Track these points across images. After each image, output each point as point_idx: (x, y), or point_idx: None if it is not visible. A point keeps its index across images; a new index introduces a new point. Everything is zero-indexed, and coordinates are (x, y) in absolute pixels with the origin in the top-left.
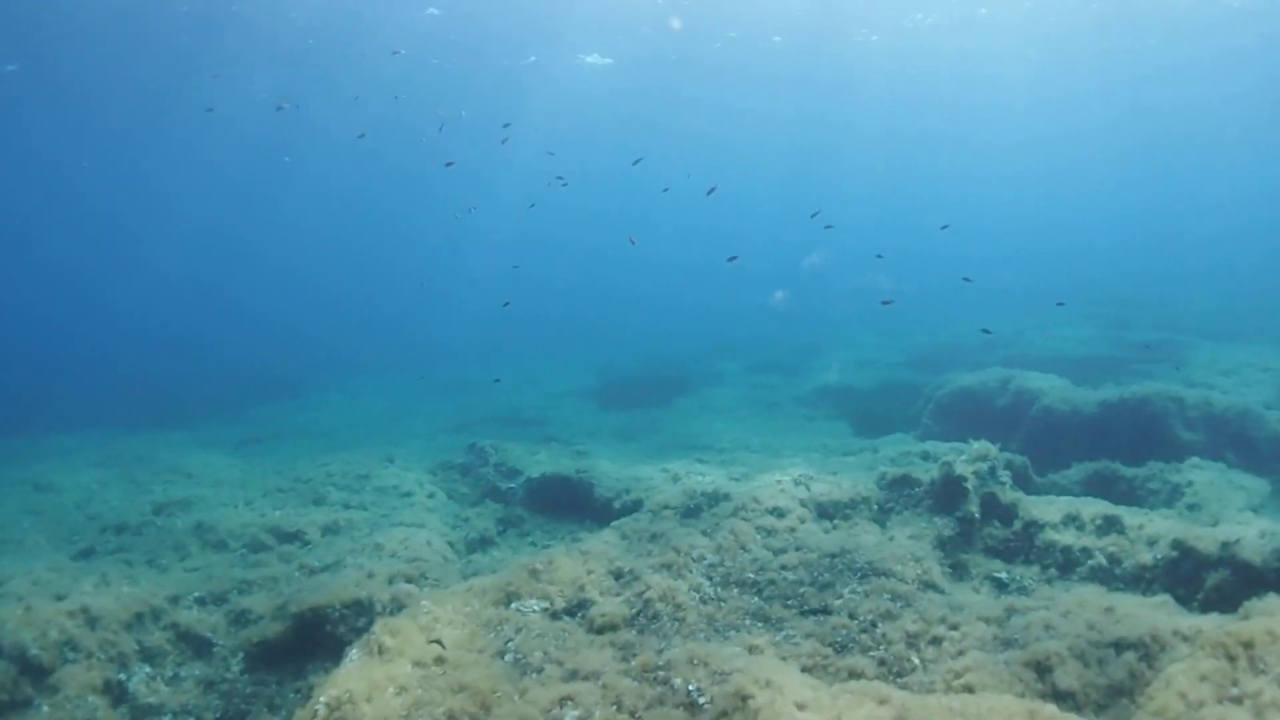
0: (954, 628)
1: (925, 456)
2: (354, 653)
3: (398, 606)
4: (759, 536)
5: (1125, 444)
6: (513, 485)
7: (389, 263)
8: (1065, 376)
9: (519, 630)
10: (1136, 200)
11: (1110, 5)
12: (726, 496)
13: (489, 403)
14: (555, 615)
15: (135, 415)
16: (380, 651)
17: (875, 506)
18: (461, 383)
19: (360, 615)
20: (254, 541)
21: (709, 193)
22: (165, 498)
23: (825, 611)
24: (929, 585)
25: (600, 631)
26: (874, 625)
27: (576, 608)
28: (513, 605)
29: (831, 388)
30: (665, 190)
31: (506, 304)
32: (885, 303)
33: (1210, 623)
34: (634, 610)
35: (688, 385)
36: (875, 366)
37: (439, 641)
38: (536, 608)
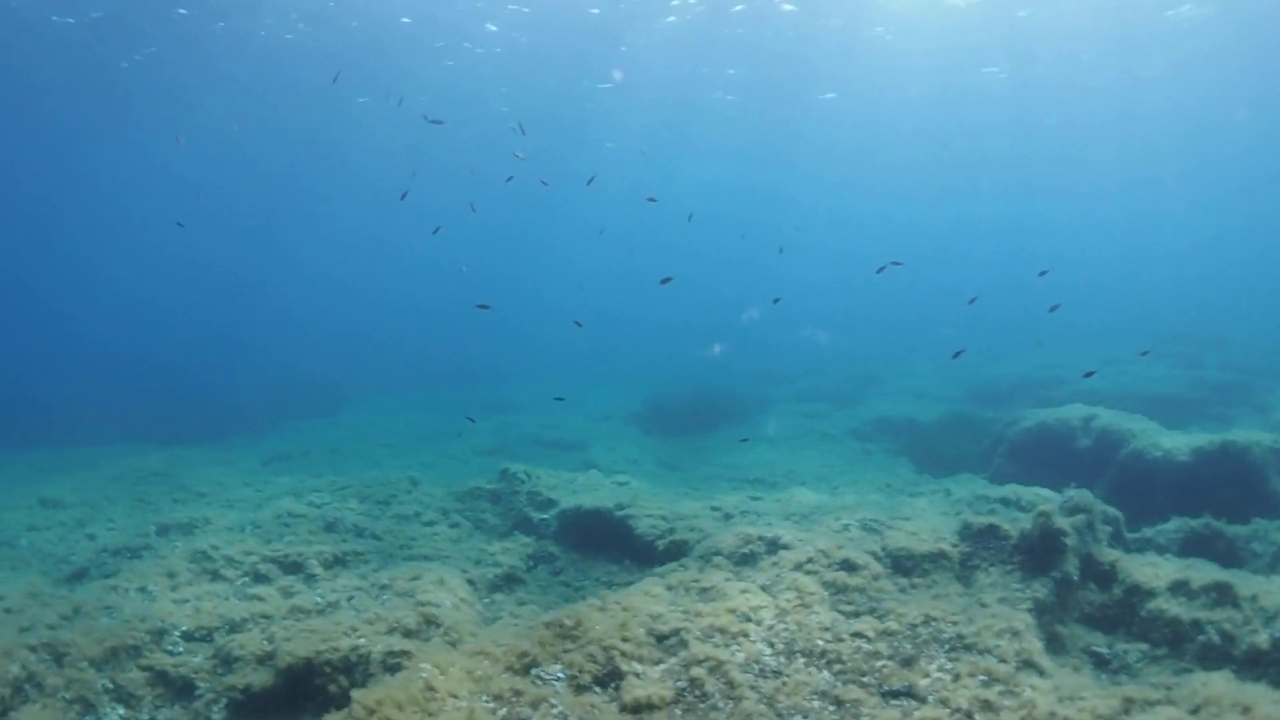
0: None
1: (1006, 503)
2: None
3: (394, 665)
4: (827, 594)
5: (1221, 497)
6: (546, 517)
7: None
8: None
9: (536, 707)
10: (1200, 227)
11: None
12: (788, 544)
13: (529, 424)
14: (582, 688)
15: (164, 429)
16: None
17: (957, 561)
18: (503, 402)
19: (351, 671)
20: (254, 572)
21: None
22: (171, 519)
23: (910, 695)
24: (1029, 665)
25: (636, 712)
26: (970, 717)
27: (608, 679)
28: (532, 672)
29: (889, 419)
30: (690, 218)
31: (578, 324)
32: (956, 355)
33: None
34: (678, 686)
35: (736, 412)
36: (934, 399)
37: None
38: (561, 676)
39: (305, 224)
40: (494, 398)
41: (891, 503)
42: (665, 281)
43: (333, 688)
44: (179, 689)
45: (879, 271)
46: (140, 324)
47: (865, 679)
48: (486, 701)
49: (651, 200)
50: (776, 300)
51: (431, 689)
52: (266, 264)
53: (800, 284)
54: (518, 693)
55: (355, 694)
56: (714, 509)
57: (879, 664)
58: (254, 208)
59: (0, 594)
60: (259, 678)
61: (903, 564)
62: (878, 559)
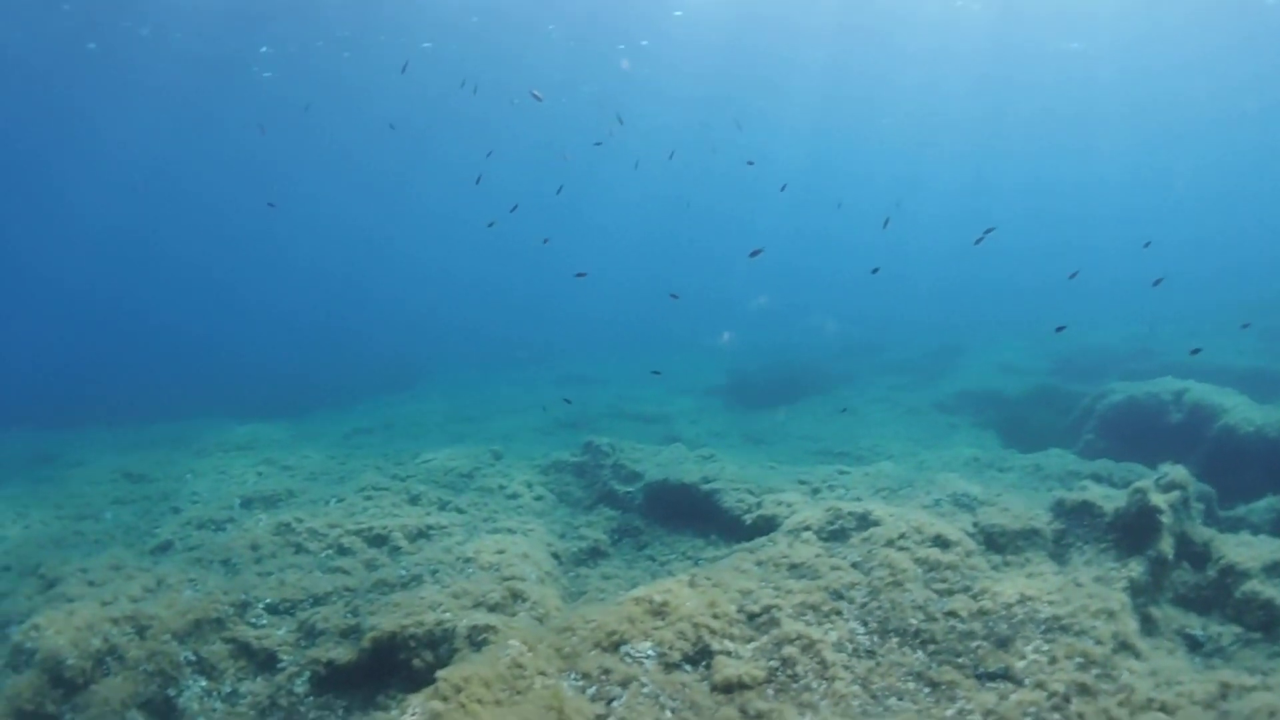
0: (1166, 710)
1: (1097, 479)
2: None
3: (479, 640)
4: (920, 572)
5: None
6: (631, 490)
7: (521, 254)
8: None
9: (625, 685)
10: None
11: None
12: (879, 520)
13: (609, 397)
14: (672, 666)
15: (248, 404)
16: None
17: (1051, 538)
18: (581, 376)
19: (436, 646)
20: (337, 545)
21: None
22: (255, 491)
23: (1007, 677)
24: (1125, 647)
25: (727, 691)
26: (1067, 701)
27: (699, 657)
28: (621, 650)
29: (974, 393)
30: (783, 188)
31: (674, 296)
32: (1059, 329)
33: None
34: (770, 665)
35: (820, 386)
36: (1020, 371)
37: None
38: (650, 654)
39: (383, 207)
40: (572, 372)
41: (981, 478)
42: (755, 254)
43: (417, 662)
44: (262, 661)
45: (977, 242)
46: (226, 305)
47: (960, 660)
48: (575, 679)
49: (750, 164)
50: (875, 270)
51: (519, 666)
52: (348, 246)
53: (894, 256)
54: (606, 670)
55: (441, 672)
56: (801, 482)
57: (974, 645)
58: (335, 195)
59: (84, 567)
60: (342, 651)
61: (995, 541)
62: (970, 535)
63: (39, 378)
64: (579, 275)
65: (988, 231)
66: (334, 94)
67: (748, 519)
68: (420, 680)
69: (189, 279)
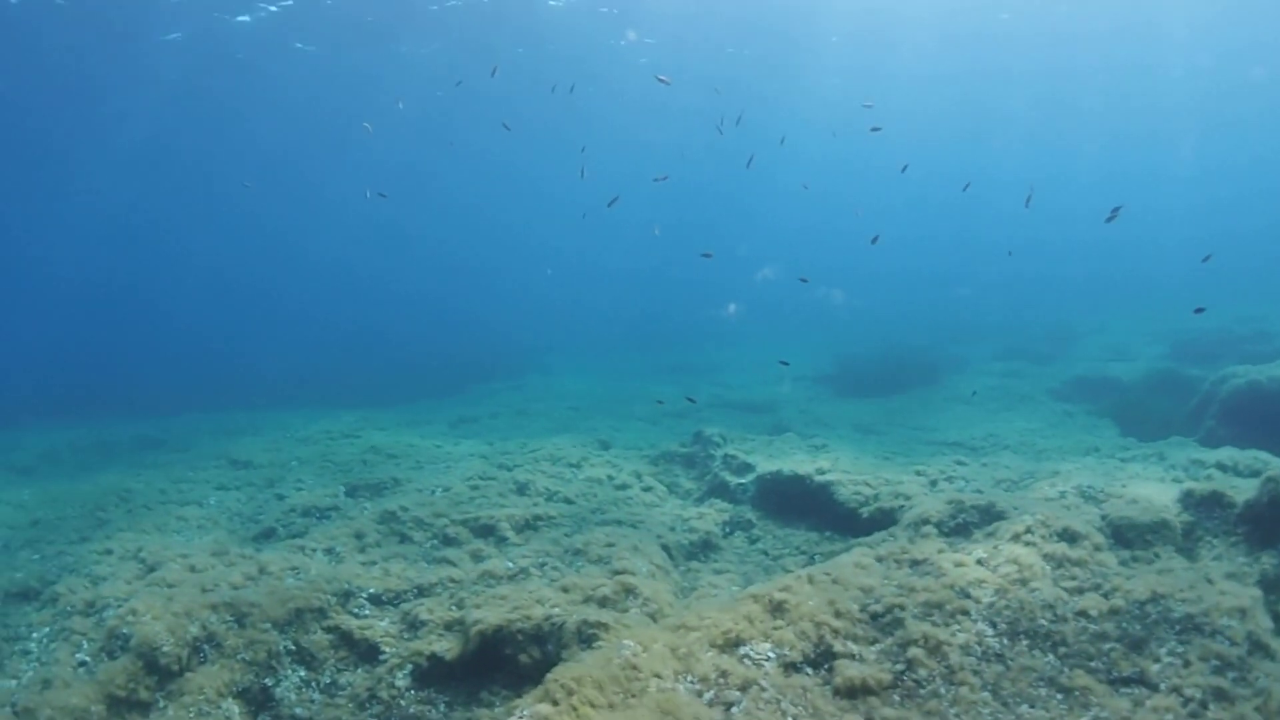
0: None
1: (1223, 468)
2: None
3: (589, 636)
4: (1048, 568)
5: None
6: (743, 482)
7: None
8: None
9: (745, 690)
10: None
11: None
12: (1003, 513)
13: (714, 387)
14: (793, 668)
15: (354, 392)
16: None
17: (1180, 532)
18: (688, 365)
19: (544, 642)
20: (443, 535)
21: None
22: (361, 479)
23: (1141, 682)
24: (1260, 647)
25: (850, 696)
26: (1204, 708)
27: (820, 659)
28: (740, 651)
29: (1089, 379)
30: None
31: (804, 280)
32: (1198, 310)
33: None
34: (895, 669)
35: (931, 372)
36: (1134, 356)
37: None
38: (771, 656)
39: (494, 191)
40: (679, 360)
41: (1103, 468)
42: (874, 241)
43: (524, 659)
44: (363, 652)
45: (1108, 220)
46: (334, 293)
47: (1093, 664)
48: (691, 683)
49: (876, 130)
50: (1010, 254)
51: (633, 668)
52: (455, 233)
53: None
54: (724, 673)
55: (552, 673)
56: (918, 473)
57: (1106, 647)
58: (453, 182)
59: (185, 552)
60: (446, 645)
61: (1123, 535)
62: (1098, 529)
63: (144, 367)
64: (705, 255)
65: (1116, 210)
66: (444, 85)
67: (864, 512)
68: (526, 678)
69: (300, 270)
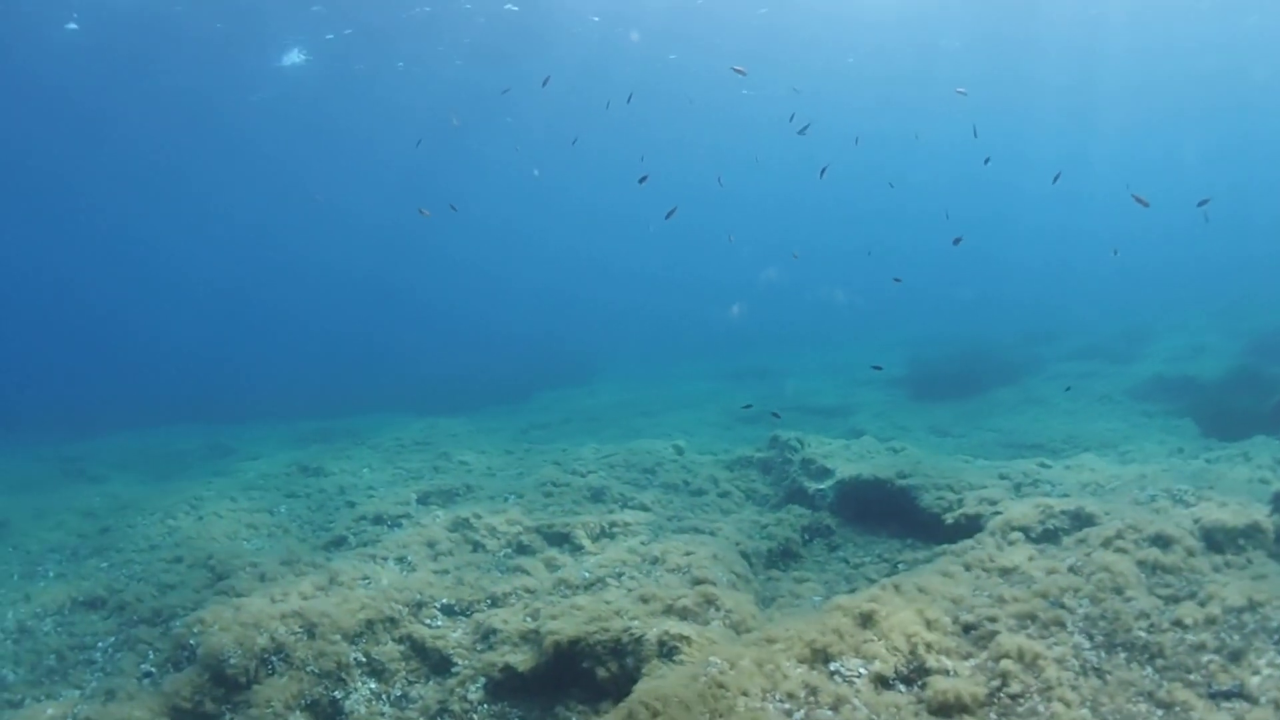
0: None
1: None
2: None
3: (670, 649)
4: (1142, 576)
5: None
6: (822, 487)
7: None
8: None
9: (836, 709)
10: None
11: None
12: (1092, 517)
13: (789, 390)
14: (884, 683)
15: (424, 399)
16: None
17: (1273, 536)
18: (760, 368)
19: (622, 656)
20: (516, 543)
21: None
22: (432, 486)
23: (1241, 695)
24: None
25: (945, 714)
26: None
27: (914, 675)
28: (830, 666)
29: (1166, 378)
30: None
31: (897, 280)
32: None
33: None
34: (990, 684)
35: (1005, 374)
36: (1213, 353)
37: None
38: (862, 672)
39: (553, 207)
40: (749, 364)
41: (1189, 469)
42: (957, 242)
43: (601, 672)
44: (434, 664)
45: (1200, 204)
46: (400, 306)
47: (1191, 676)
48: (780, 701)
49: (978, 134)
50: (1115, 252)
51: (720, 686)
52: (518, 245)
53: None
54: (814, 690)
55: (637, 690)
56: (1002, 477)
57: (1204, 658)
58: (501, 201)
59: (255, 561)
60: (521, 657)
61: (1215, 539)
62: (1189, 533)
63: (215, 376)
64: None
65: (1204, 203)
66: (478, 103)
67: (948, 518)
68: (604, 692)
69: (366, 284)
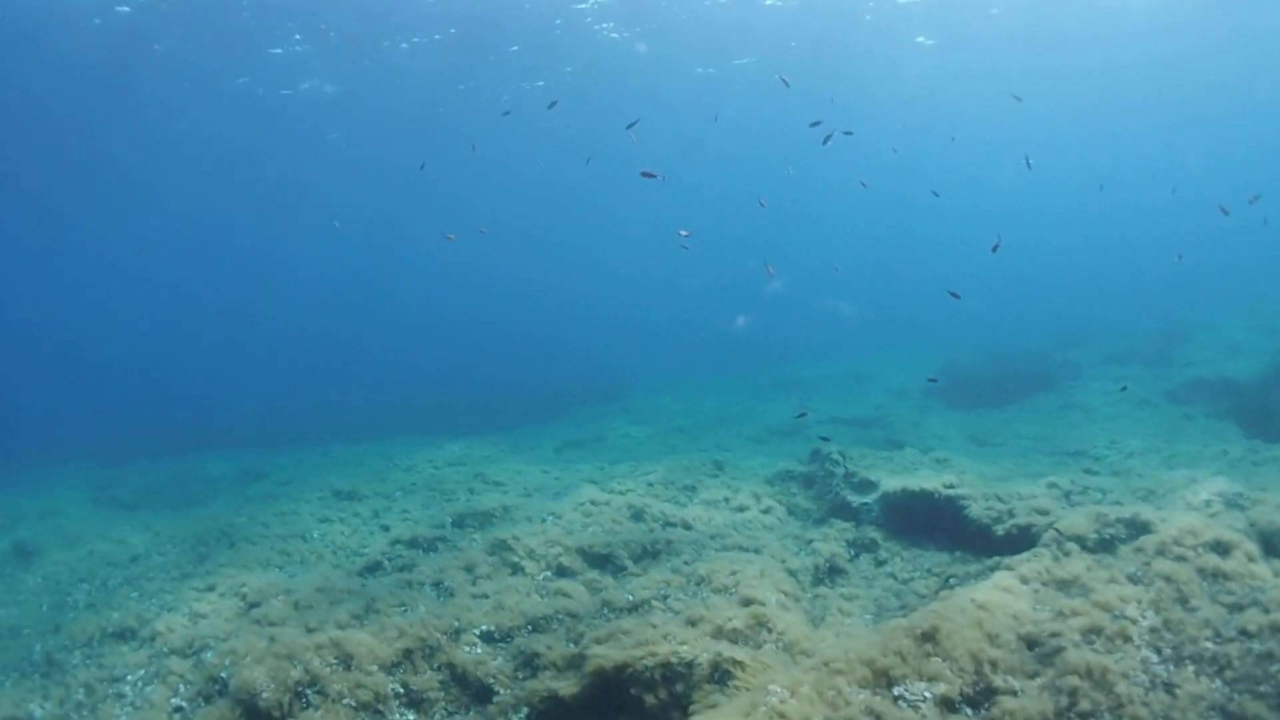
0: None
1: None
2: None
3: (722, 675)
4: (1204, 584)
5: None
6: (866, 501)
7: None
8: None
9: None
10: None
11: None
12: (1147, 524)
13: (824, 403)
14: (950, 707)
15: (457, 420)
16: None
17: None
18: (793, 381)
19: (672, 683)
20: (557, 565)
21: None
22: (468, 508)
23: None
24: None
25: None
26: None
27: (980, 696)
28: (894, 691)
29: (1205, 380)
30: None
31: (954, 295)
32: None
33: None
34: (1059, 703)
35: (1041, 379)
36: (1250, 354)
37: None
38: (926, 696)
39: (592, 221)
40: (783, 377)
41: (1238, 471)
42: (995, 249)
43: (650, 699)
44: (475, 693)
45: (1252, 201)
46: (432, 326)
47: (1261, 688)
48: None
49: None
50: (1179, 257)
51: (781, 716)
52: (549, 262)
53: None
54: (878, 717)
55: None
56: (1050, 486)
57: (1274, 669)
58: (539, 217)
59: (290, 588)
60: (564, 684)
61: (1273, 543)
62: (1249, 538)
63: (245, 402)
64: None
65: (1254, 199)
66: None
67: (999, 530)
68: None
69: (398, 306)
